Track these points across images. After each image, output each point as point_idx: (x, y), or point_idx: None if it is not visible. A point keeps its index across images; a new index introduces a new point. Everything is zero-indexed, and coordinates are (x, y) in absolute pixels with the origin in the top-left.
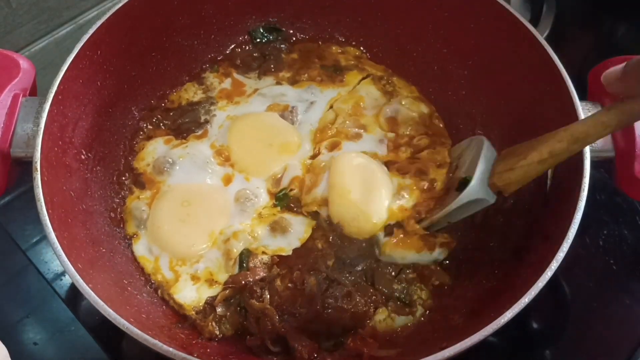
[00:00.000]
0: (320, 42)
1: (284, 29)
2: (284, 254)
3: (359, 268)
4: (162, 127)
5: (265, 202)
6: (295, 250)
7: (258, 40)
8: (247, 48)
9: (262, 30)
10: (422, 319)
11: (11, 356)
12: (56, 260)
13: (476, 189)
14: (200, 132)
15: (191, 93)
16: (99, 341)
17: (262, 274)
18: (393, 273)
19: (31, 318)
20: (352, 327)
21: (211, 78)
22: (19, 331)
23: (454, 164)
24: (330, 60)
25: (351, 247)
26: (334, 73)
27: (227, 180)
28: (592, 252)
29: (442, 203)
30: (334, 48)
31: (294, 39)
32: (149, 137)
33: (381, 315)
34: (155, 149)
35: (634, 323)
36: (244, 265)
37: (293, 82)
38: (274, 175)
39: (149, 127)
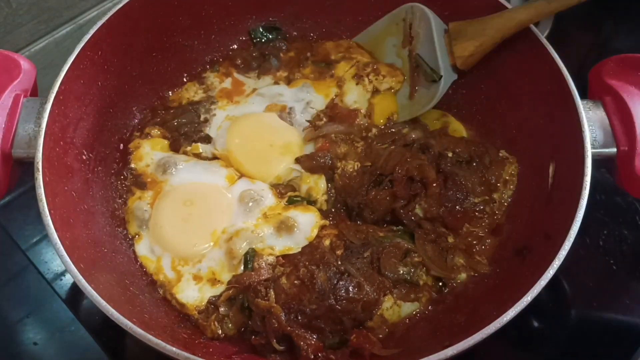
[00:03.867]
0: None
1: (283, 28)
2: (292, 252)
3: (366, 254)
4: (161, 126)
5: (271, 203)
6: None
7: (257, 39)
8: (250, 48)
9: (261, 30)
10: (427, 312)
11: (11, 356)
12: (56, 260)
13: (448, 80)
14: (198, 137)
15: (192, 92)
16: (99, 341)
17: (266, 274)
18: (398, 252)
19: (31, 318)
20: (362, 319)
21: (212, 78)
22: (19, 331)
23: (408, 32)
24: (322, 54)
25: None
26: (325, 68)
27: (231, 180)
28: (592, 252)
29: (414, 88)
30: (327, 44)
31: (294, 34)
32: (146, 136)
33: (387, 303)
34: (153, 150)
35: (634, 323)
36: (249, 265)
37: (289, 81)
38: (279, 177)
39: (149, 126)
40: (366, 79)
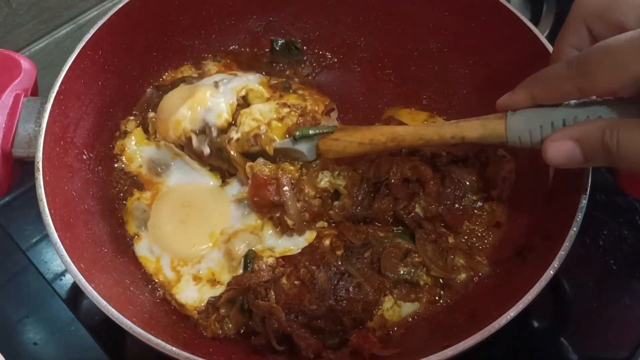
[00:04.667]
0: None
1: (297, 40)
2: (291, 254)
3: (366, 255)
4: (134, 117)
5: None
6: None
7: (277, 50)
8: (263, 54)
9: (283, 44)
10: (427, 312)
11: (11, 356)
12: (56, 260)
13: (294, 147)
14: None
15: (186, 74)
16: (99, 341)
17: (266, 276)
18: (398, 252)
19: (31, 318)
20: (362, 319)
21: (210, 65)
22: (19, 331)
23: None
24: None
25: None
26: (283, 87)
27: (216, 177)
28: (592, 252)
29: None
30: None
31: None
32: (125, 135)
33: (388, 303)
34: (139, 145)
35: (634, 323)
36: (249, 267)
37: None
38: (185, 132)
39: (122, 122)
40: (286, 109)
